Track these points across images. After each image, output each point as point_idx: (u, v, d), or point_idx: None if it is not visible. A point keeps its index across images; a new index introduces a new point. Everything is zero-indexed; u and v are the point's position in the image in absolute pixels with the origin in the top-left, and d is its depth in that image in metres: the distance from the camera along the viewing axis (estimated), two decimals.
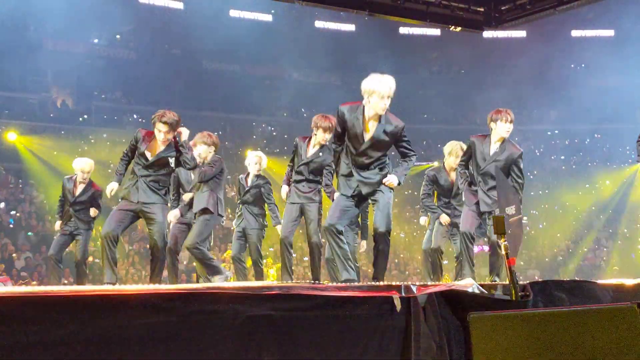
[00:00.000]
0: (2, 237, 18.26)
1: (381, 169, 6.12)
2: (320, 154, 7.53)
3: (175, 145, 6.93)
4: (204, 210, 7.75)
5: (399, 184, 6.11)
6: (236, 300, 4.01)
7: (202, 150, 7.78)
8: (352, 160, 6.09)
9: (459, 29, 13.84)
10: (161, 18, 27.49)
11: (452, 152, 8.53)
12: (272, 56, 27.92)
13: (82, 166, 9.48)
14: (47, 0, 22.57)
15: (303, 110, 28.55)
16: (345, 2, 13.25)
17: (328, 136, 7.35)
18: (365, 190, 6.10)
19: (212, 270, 7.78)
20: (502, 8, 13.29)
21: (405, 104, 26.87)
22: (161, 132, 6.77)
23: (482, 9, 13.33)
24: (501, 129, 6.91)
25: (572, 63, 31.10)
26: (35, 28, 25.31)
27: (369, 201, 6.36)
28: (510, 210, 4.73)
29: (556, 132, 30.77)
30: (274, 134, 28.95)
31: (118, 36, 28.28)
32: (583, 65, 31.22)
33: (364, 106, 5.93)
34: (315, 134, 7.45)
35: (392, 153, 6.24)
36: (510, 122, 6.92)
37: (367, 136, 5.96)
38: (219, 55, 28.65)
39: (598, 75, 29.49)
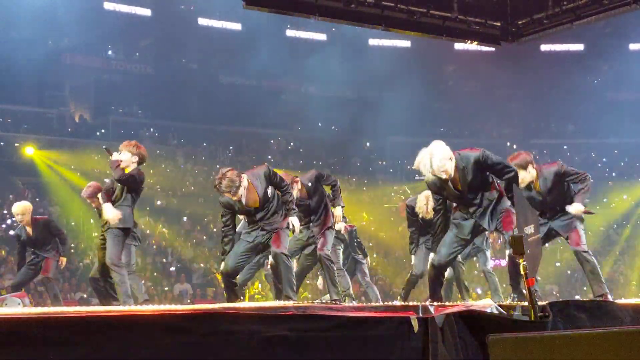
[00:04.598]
0: None
1: None
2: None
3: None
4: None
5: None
6: (252, 321, 3.99)
7: (125, 158, 7.25)
8: None
9: (475, 43, 13.75)
10: (178, 33, 27.62)
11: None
12: (287, 70, 27.87)
13: (16, 211, 9.62)
14: (65, 15, 22.76)
15: (320, 124, 28.51)
16: (361, 17, 13.16)
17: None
18: None
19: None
20: (519, 22, 13.19)
21: (420, 117, 26.79)
22: None
23: (498, 24, 13.23)
24: None
25: (589, 77, 30.83)
26: (53, 42, 25.53)
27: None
28: (529, 229, 4.68)
29: (573, 146, 30.52)
30: (289, 148, 28.96)
31: (137, 54, 28.47)
32: (599, 79, 30.90)
33: None
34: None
35: None
36: None
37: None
38: (235, 70, 28.70)
39: (613, 89, 29.29)
